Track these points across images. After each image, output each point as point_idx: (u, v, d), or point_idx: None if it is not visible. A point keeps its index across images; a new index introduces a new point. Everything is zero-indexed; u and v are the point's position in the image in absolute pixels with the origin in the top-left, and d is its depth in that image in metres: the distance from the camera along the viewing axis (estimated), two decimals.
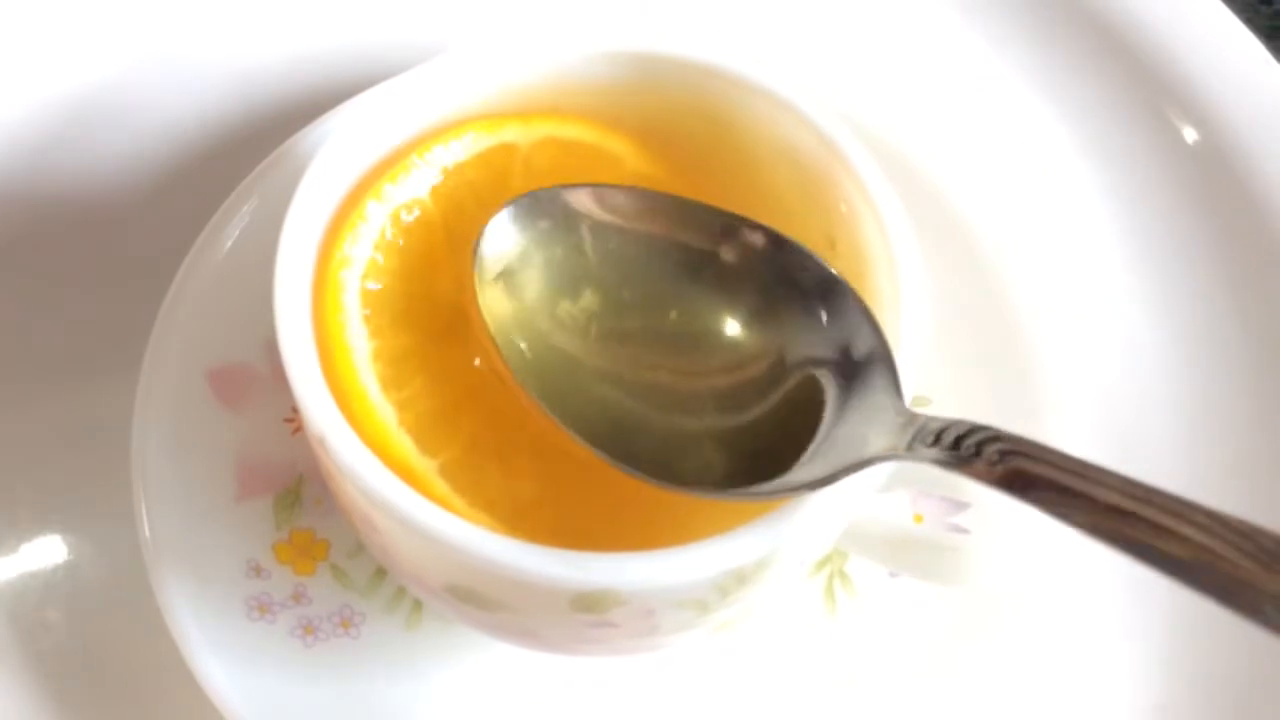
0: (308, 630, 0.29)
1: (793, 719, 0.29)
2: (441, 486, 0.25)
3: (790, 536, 0.23)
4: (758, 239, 0.27)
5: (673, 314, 0.27)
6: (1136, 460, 0.26)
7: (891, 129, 0.32)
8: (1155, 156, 0.39)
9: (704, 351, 0.27)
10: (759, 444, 0.25)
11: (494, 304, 0.26)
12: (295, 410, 0.30)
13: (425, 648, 0.30)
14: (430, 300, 0.27)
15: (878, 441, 0.23)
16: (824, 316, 0.25)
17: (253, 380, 0.31)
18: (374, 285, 0.26)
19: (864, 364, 0.24)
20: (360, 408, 0.25)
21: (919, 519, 0.29)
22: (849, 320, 0.25)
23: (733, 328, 0.27)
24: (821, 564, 0.31)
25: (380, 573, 0.30)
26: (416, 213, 0.27)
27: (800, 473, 0.24)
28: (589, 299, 0.27)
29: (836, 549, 0.30)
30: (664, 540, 0.23)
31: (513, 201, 0.27)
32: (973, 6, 0.42)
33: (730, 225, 0.27)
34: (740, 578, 0.23)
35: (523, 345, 0.26)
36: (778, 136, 0.28)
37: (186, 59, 0.40)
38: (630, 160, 0.29)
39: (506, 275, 0.27)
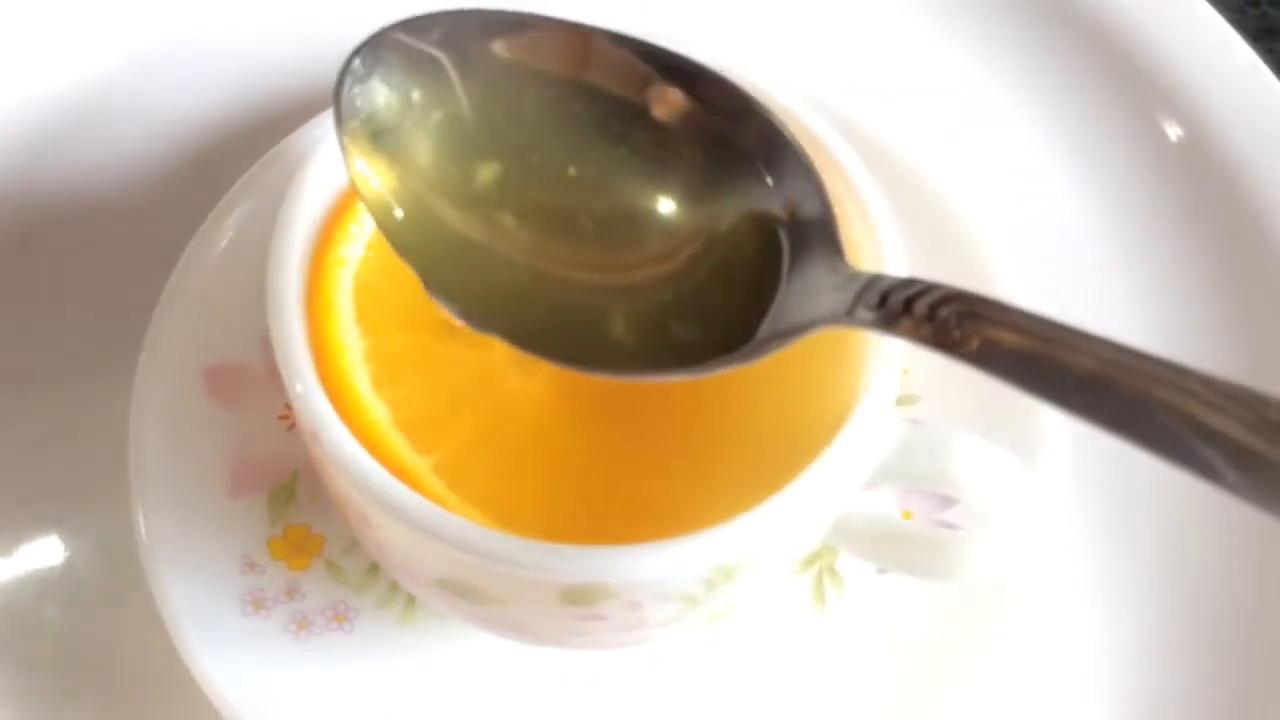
0: (301, 625, 0.29)
1: (781, 715, 0.30)
2: (436, 484, 0.25)
3: (777, 531, 0.23)
4: (688, 82, 0.23)
5: (591, 174, 0.24)
6: (1133, 457, 0.26)
7: (882, 130, 0.32)
8: (1144, 158, 0.40)
9: (630, 218, 0.24)
10: (705, 327, 0.23)
11: (368, 167, 0.23)
12: (289, 407, 0.30)
13: (418, 642, 0.30)
14: (424, 298, 0.27)
15: (816, 307, 0.21)
16: (766, 174, 0.23)
17: (247, 378, 0.31)
18: (368, 283, 0.26)
19: (806, 226, 0.22)
20: (354, 406, 0.25)
21: (907, 515, 0.29)
22: (792, 178, 0.23)
23: (663, 189, 0.24)
24: (810, 560, 0.31)
25: (374, 568, 0.30)
26: None
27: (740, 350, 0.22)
28: (491, 161, 0.24)
29: (826, 545, 0.30)
30: (655, 535, 0.23)
31: (385, 30, 0.23)
32: (961, 8, 0.42)
33: (654, 62, 0.24)
34: (728, 572, 0.23)
35: (408, 220, 0.23)
36: None
37: (183, 56, 0.40)
38: None
39: (380, 129, 0.23)
